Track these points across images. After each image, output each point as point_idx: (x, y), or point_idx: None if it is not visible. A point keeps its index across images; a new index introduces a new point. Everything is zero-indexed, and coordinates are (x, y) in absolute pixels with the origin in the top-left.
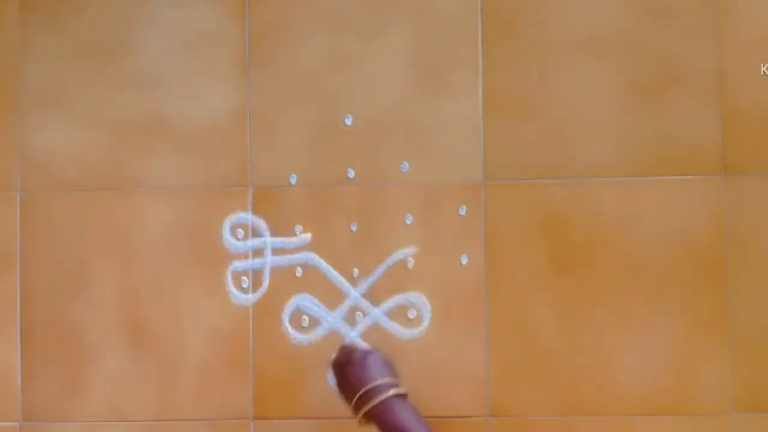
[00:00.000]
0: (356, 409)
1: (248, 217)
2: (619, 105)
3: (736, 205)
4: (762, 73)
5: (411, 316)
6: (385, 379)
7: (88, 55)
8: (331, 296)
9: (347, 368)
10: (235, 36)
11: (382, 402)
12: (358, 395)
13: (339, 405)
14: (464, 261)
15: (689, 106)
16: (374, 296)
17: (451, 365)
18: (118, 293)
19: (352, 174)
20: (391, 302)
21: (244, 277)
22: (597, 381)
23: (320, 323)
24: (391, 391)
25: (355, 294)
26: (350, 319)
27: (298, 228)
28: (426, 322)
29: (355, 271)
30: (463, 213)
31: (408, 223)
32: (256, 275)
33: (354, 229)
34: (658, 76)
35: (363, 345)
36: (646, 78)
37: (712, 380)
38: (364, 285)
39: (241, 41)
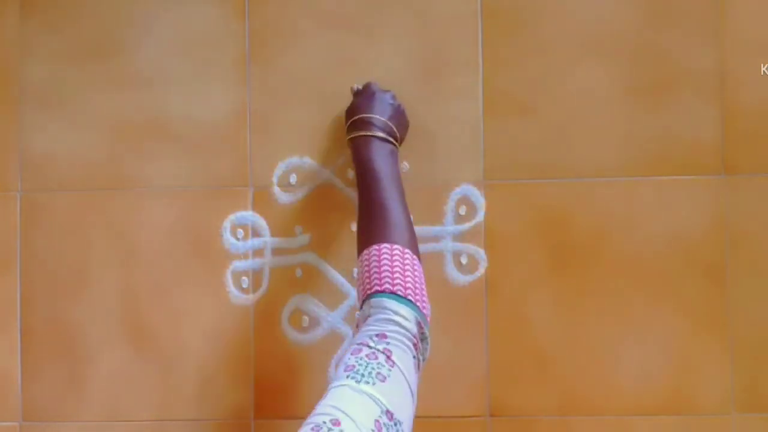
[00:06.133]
0: (347, 132)
1: (248, 217)
2: (619, 105)
3: (736, 205)
4: (762, 73)
5: None
6: (384, 119)
7: (88, 55)
8: (331, 296)
9: (358, 96)
10: (236, 36)
11: (366, 136)
12: (352, 119)
13: None
14: (464, 261)
15: (689, 106)
16: None
17: (451, 365)
18: (118, 293)
19: (351, 174)
20: None
21: (244, 277)
22: (597, 381)
23: (320, 323)
24: (380, 133)
25: (355, 294)
26: (350, 319)
27: (298, 228)
28: None
29: (355, 271)
30: (463, 213)
31: None
32: (256, 275)
33: (354, 229)
34: (659, 76)
35: (380, 87)
36: (646, 78)
37: (712, 380)
38: None
39: (241, 41)
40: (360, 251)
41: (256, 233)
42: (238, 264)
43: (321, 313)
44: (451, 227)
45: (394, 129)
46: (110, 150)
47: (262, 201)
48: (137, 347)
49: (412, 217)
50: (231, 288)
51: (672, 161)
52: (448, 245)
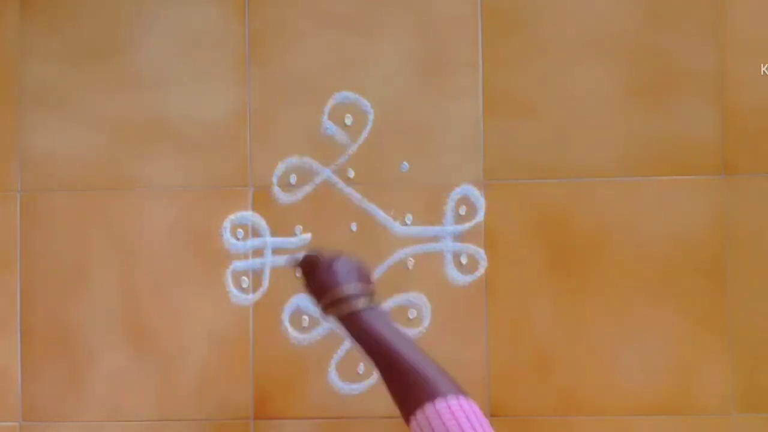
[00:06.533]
0: (325, 312)
1: (248, 217)
2: (619, 105)
3: (736, 205)
4: (762, 73)
5: (411, 316)
6: (351, 286)
7: (88, 55)
8: None
9: (312, 276)
10: (236, 36)
11: (353, 313)
12: (325, 303)
13: (339, 405)
14: (464, 261)
15: (689, 106)
16: None
17: (451, 365)
18: (118, 293)
19: (352, 174)
20: (391, 302)
21: (244, 277)
22: (597, 381)
23: (320, 323)
24: (360, 303)
25: None
26: None
27: (298, 228)
28: (426, 322)
29: None
30: (463, 213)
31: (408, 223)
32: (256, 275)
33: (354, 229)
34: (659, 76)
35: (329, 252)
36: (646, 78)
37: (712, 380)
38: None
39: (241, 41)
40: (407, 415)
41: (256, 233)
42: (238, 264)
43: None
44: (451, 227)
45: (366, 286)
46: (110, 150)
47: (262, 201)
48: (137, 347)
49: (412, 217)
50: (231, 288)
51: (672, 161)
52: (448, 245)
